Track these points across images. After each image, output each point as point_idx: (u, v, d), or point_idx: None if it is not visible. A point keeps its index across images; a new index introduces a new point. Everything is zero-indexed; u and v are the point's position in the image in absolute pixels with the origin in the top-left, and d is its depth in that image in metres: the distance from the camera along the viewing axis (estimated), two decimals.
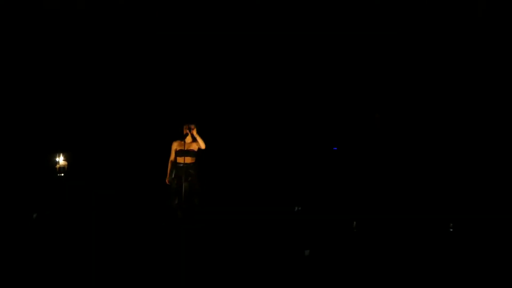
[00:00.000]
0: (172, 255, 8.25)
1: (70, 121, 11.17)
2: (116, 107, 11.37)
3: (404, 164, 10.68)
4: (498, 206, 10.04)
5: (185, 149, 9.64)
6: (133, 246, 8.64)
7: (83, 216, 9.61)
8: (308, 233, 9.36)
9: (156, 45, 11.32)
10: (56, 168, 9.66)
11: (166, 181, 9.68)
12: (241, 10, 11.38)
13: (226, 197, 10.65)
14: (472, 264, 7.95)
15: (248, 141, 11.47)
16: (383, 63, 11.40)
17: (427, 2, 11.31)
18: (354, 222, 9.39)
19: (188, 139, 9.73)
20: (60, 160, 9.62)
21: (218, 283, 7.31)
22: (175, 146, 9.72)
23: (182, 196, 9.48)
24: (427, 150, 11.00)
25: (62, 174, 9.61)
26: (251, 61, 11.52)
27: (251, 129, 11.51)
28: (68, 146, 10.11)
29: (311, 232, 9.43)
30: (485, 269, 7.74)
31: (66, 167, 9.68)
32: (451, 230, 9.46)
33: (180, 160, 9.66)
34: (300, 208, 10.18)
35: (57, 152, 9.70)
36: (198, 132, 9.76)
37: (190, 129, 9.70)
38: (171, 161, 9.72)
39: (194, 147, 9.74)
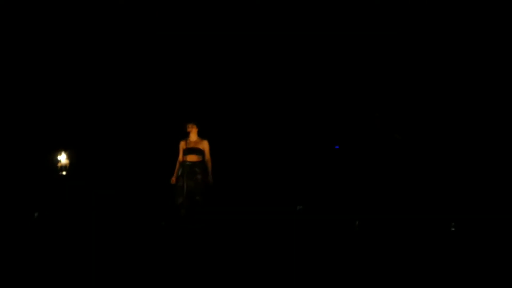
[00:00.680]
0: (173, 254, 8.25)
1: (73, 119, 11.14)
2: (119, 105, 11.35)
3: (405, 163, 10.68)
4: (499, 206, 10.06)
5: (188, 147, 9.64)
6: (133, 245, 8.64)
7: (84, 215, 9.61)
8: (310, 233, 9.38)
9: (159, 44, 11.31)
10: (57, 166, 9.64)
11: (171, 180, 9.68)
12: (242, 10, 11.37)
13: (228, 196, 10.66)
14: (473, 263, 7.96)
15: (249, 140, 11.47)
16: (384, 62, 11.39)
17: (427, 2, 11.31)
18: (357, 222, 9.40)
19: (192, 137, 9.73)
20: (62, 158, 9.60)
21: (218, 282, 7.30)
22: (182, 145, 9.73)
23: (185, 194, 9.47)
24: (428, 149, 11.01)
25: (64, 173, 9.59)
26: (253, 61, 11.52)
27: (253, 128, 11.50)
28: (70, 144, 10.08)
29: (313, 231, 9.45)
30: (486, 268, 7.75)
31: (68, 165, 9.66)
32: (453, 229, 9.48)
33: (185, 158, 9.68)
34: (302, 207, 10.20)
35: (59, 150, 9.68)
36: (200, 131, 9.78)
37: (192, 128, 9.73)
38: (179, 161, 9.74)
39: (199, 145, 9.73)
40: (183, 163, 9.65)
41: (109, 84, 11.31)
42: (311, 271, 7.82)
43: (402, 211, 10.01)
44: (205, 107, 11.10)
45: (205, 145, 9.76)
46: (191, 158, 9.66)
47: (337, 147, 11.28)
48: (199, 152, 9.69)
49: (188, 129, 9.67)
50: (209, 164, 9.76)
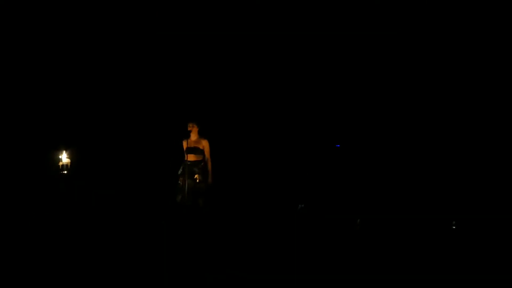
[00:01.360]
0: (172, 252, 8.25)
1: (74, 118, 11.13)
2: (120, 104, 11.35)
3: (407, 162, 10.70)
4: (501, 204, 10.08)
5: (189, 146, 9.65)
6: (134, 244, 8.64)
7: (84, 214, 9.60)
8: (311, 231, 9.38)
9: (160, 43, 11.31)
10: (59, 165, 9.62)
11: (180, 180, 9.71)
12: (242, 9, 11.37)
13: (229, 195, 10.66)
14: (474, 262, 7.99)
15: (250, 139, 11.48)
16: (385, 61, 11.40)
17: (427, 2, 11.33)
18: (358, 220, 9.41)
19: (192, 137, 9.73)
20: (63, 157, 9.59)
21: (219, 281, 7.31)
22: (184, 144, 9.73)
23: (185, 193, 9.48)
24: (430, 147, 11.03)
25: (65, 172, 9.58)
26: (253, 60, 11.52)
27: (254, 127, 11.51)
28: (71, 143, 10.07)
29: (314, 230, 9.46)
30: (488, 267, 7.78)
31: (69, 164, 9.64)
32: (454, 227, 9.50)
33: (186, 157, 9.69)
34: (303, 206, 10.21)
35: (60, 149, 9.67)
36: (201, 130, 9.78)
37: (192, 127, 9.73)
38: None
39: (199, 145, 9.74)
40: (185, 162, 9.66)
41: (110, 83, 11.30)
42: (312, 269, 7.84)
43: (403, 209, 10.04)
44: (206, 106, 11.10)
45: (205, 144, 9.77)
46: (192, 157, 9.68)
47: (338, 145, 11.30)
48: (199, 151, 9.70)
49: (189, 128, 9.67)
50: (209, 164, 9.77)
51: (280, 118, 11.52)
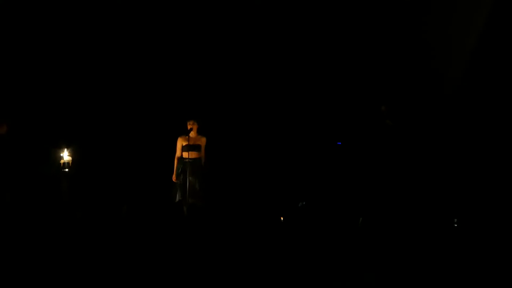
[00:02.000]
0: (174, 251, 8.25)
1: (75, 116, 11.16)
2: (121, 102, 11.36)
3: (409, 159, 10.68)
4: (502, 202, 10.05)
5: (189, 144, 9.66)
6: (134, 242, 8.65)
7: (84, 212, 9.63)
8: (313, 229, 9.37)
9: (160, 41, 11.31)
10: (60, 163, 9.66)
11: (173, 178, 9.69)
12: (243, 7, 11.37)
13: (229, 193, 10.67)
14: (476, 260, 7.96)
15: (251, 137, 11.48)
16: (388, 55, 11.36)
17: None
18: (360, 218, 9.40)
19: (193, 134, 9.74)
20: (65, 155, 9.62)
21: (220, 279, 7.31)
22: (181, 141, 9.76)
23: (187, 191, 9.49)
24: (432, 144, 11.01)
25: (67, 170, 9.61)
26: (254, 56, 11.50)
27: (255, 124, 11.50)
28: (73, 141, 10.10)
29: (316, 228, 9.44)
30: (489, 265, 7.75)
31: (70, 162, 9.68)
32: (456, 225, 9.48)
33: (185, 155, 9.70)
34: (304, 203, 10.20)
35: (61, 147, 9.70)
36: (200, 128, 9.79)
37: (193, 124, 9.73)
38: (177, 157, 9.75)
39: (198, 142, 9.76)
40: (184, 160, 9.67)
41: (111, 81, 11.32)
42: (313, 267, 7.83)
43: (404, 207, 10.02)
44: (207, 104, 11.11)
45: (202, 142, 9.82)
46: (192, 155, 9.70)
47: (339, 143, 11.29)
48: (199, 148, 9.74)
49: (190, 126, 9.69)
50: (203, 160, 9.83)
51: (281, 115, 11.51)
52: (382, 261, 7.97)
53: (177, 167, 9.75)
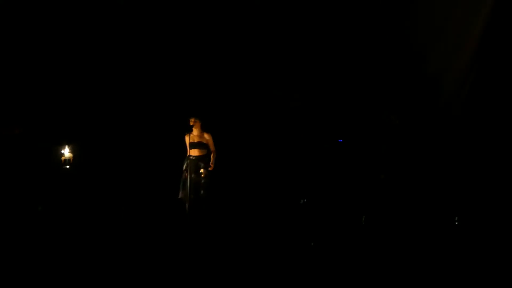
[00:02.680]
0: (177, 248, 8.26)
1: (76, 113, 11.14)
2: (123, 99, 11.35)
3: (408, 157, 10.70)
4: (503, 200, 10.07)
5: (192, 141, 9.66)
6: (137, 240, 8.65)
7: (85, 210, 9.63)
8: (315, 227, 9.39)
9: (162, 38, 11.29)
10: (61, 160, 9.65)
11: (184, 175, 9.72)
12: (244, 4, 11.35)
13: (232, 190, 10.68)
14: (478, 258, 7.98)
15: (253, 133, 11.48)
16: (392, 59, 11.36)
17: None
18: (363, 216, 9.42)
19: (195, 132, 9.73)
20: (66, 152, 9.61)
21: (222, 277, 7.32)
22: (187, 139, 9.76)
23: (189, 188, 9.49)
24: (430, 144, 11.03)
25: (68, 167, 9.60)
26: (256, 54, 11.49)
27: (256, 122, 11.50)
28: (74, 138, 10.09)
29: (318, 225, 9.46)
30: (490, 263, 7.77)
31: (71, 159, 9.67)
32: (457, 223, 9.50)
33: (190, 152, 9.72)
34: (306, 201, 10.22)
35: (62, 144, 9.69)
36: (203, 126, 9.79)
37: (195, 122, 9.73)
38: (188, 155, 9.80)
39: (202, 139, 9.74)
40: (189, 157, 9.69)
41: (112, 77, 11.30)
42: (315, 265, 7.85)
43: (406, 205, 10.04)
44: (208, 101, 11.10)
45: (208, 138, 9.81)
46: (195, 152, 9.70)
47: (340, 140, 11.30)
48: (203, 146, 9.73)
49: (191, 123, 9.68)
50: (213, 155, 9.82)
51: (282, 112, 11.51)
52: (384, 258, 7.99)
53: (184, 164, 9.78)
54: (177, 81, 11.38)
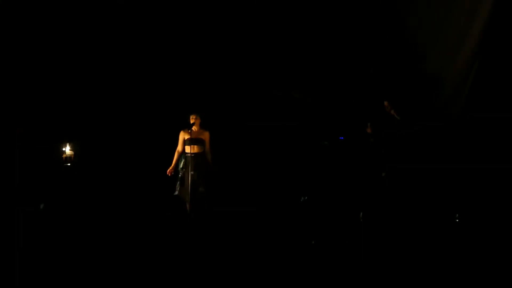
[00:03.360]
0: (177, 247, 8.25)
1: (77, 111, 11.15)
2: (123, 97, 11.36)
3: (408, 155, 10.69)
4: (504, 198, 10.07)
5: (192, 138, 9.64)
6: (136, 238, 8.65)
7: (87, 207, 9.63)
8: (315, 224, 9.39)
9: (162, 36, 11.31)
10: (62, 158, 9.66)
11: (167, 171, 9.66)
12: (244, 2, 11.38)
13: (231, 188, 10.67)
14: (478, 255, 7.98)
15: (253, 131, 11.48)
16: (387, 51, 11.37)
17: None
18: (361, 213, 9.41)
19: (195, 128, 9.72)
20: (67, 149, 9.62)
21: (223, 276, 7.31)
22: (183, 135, 9.72)
23: (189, 186, 9.47)
24: (430, 142, 11.03)
25: (69, 164, 9.61)
26: (255, 51, 11.51)
27: (256, 119, 11.50)
28: (75, 136, 10.10)
29: (317, 222, 9.46)
30: (490, 261, 7.77)
31: (72, 157, 9.68)
32: (457, 220, 9.50)
33: (188, 149, 9.68)
34: (306, 198, 10.22)
35: (63, 142, 9.70)
36: (202, 123, 9.78)
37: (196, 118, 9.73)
38: (178, 151, 9.73)
39: (201, 136, 9.73)
40: (186, 154, 9.66)
41: (113, 75, 11.31)
42: (315, 263, 7.84)
43: (405, 202, 10.04)
44: (209, 98, 11.10)
45: (206, 136, 9.78)
46: (194, 149, 9.66)
47: (341, 138, 11.31)
48: (202, 143, 9.70)
49: (192, 120, 9.67)
50: (209, 155, 9.79)
51: (282, 110, 11.51)
52: (384, 256, 7.99)
53: (179, 161, 9.74)
54: (177, 79, 11.40)
